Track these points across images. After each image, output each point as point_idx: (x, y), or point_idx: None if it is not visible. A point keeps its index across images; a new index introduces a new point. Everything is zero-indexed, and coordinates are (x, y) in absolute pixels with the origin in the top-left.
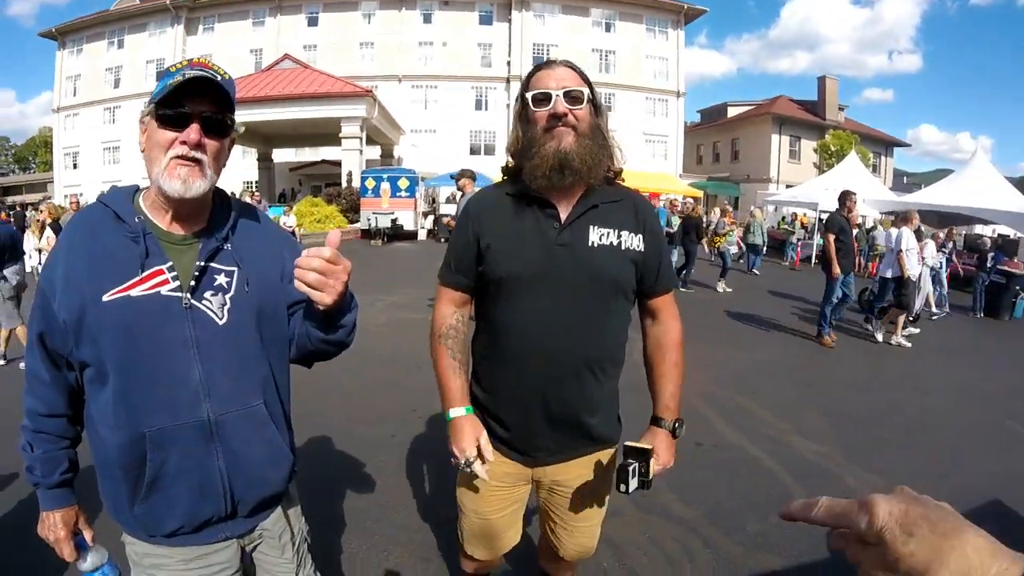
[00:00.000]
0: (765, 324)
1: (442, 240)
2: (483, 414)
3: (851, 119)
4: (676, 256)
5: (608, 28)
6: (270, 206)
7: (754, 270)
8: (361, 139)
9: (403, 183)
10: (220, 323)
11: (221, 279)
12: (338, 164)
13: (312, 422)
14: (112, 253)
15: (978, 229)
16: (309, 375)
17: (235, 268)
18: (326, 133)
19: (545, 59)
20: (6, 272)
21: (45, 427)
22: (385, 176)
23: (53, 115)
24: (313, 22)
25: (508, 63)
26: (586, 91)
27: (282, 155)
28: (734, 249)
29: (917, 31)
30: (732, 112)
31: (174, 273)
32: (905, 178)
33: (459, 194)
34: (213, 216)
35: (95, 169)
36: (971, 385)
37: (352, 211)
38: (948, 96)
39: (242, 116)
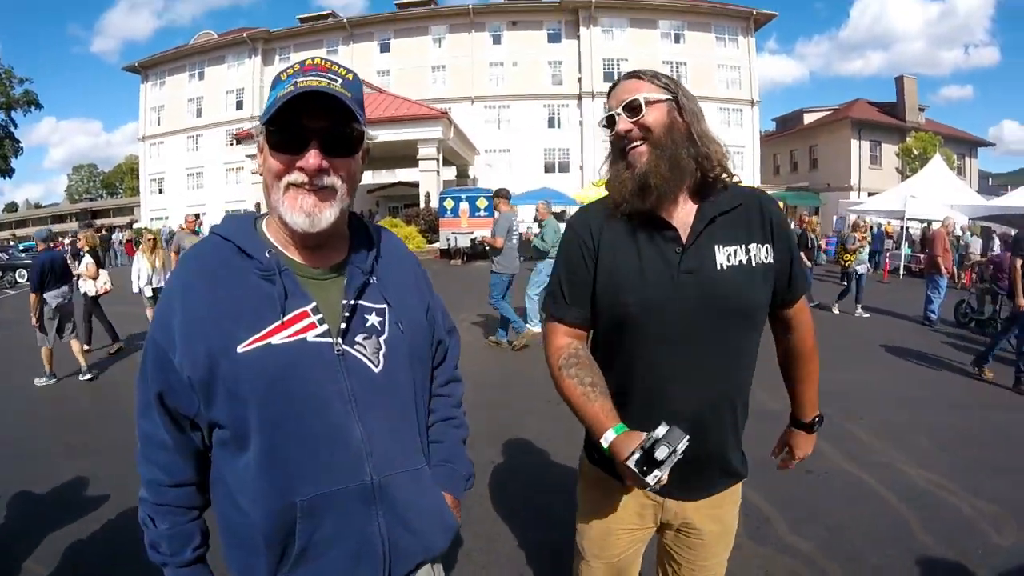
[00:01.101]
0: (860, 342)
1: (522, 259)
2: (602, 456)
3: (932, 120)
4: None
5: (677, 39)
6: None
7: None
8: (438, 160)
9: (481, 203)
10: (376, 371)
11: (372, 319)
12: (414, 185)
13: None
14: (242, 295)
15: None
16: None
17: (385, 306)
18: (403, 155)
19: (616, 74)
20: (47, 295)
21: (170, 498)
22: (464, 196)
23: (138, 143)
24: (385, 48)
25: (579, 79)
26: (644, 95)
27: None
28: (863, 268)
29: (992, 22)
30: (808, 119)
31: (320, 315)
32: (991, 180)
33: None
34: (352, 245)
35: (179, 194)
36: None
37: (431, 231)
38: None
39: None
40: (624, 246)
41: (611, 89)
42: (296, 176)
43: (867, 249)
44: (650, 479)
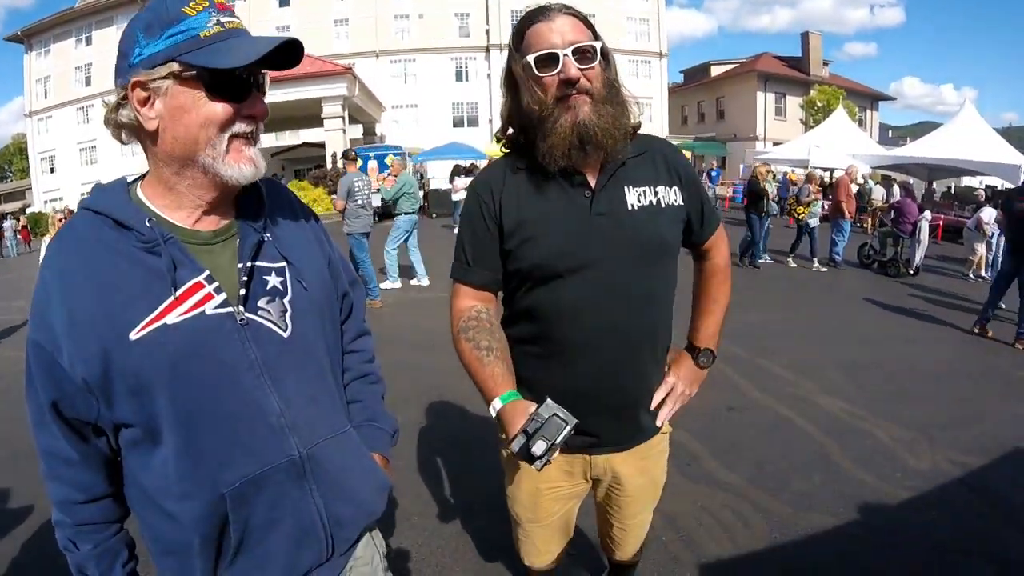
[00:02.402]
0: (770, 285)
1: (434, 216)
2: None
3: (836, 74)
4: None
5: None
6: None
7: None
8: (343, 118)
9: (390, 160)
10: (285, 335)
11: (273, 280)
12: (320, 146)
13: None
14: (125, 274)
15: (966, 181)
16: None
17: (284, 264)
18: (306, 115)
19: (541, 5)
20: None
21: (87, 516)
22: (371, 155)
23: (26, 120)
24: (284, 2)
25: (487, 32)
26: (597, 44)
27: (263, 141)
28: (815, 222)
29: None
30: (716, 71)
31: (216, 284)
32: (890, 132)
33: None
34: (239, 201)
35: (73, 172)
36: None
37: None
38: (931, 48)
39: None
40: (529, 199)
41: (537, 19)
42: (245, 125)
43: (820, 202)
44: (535, 466)
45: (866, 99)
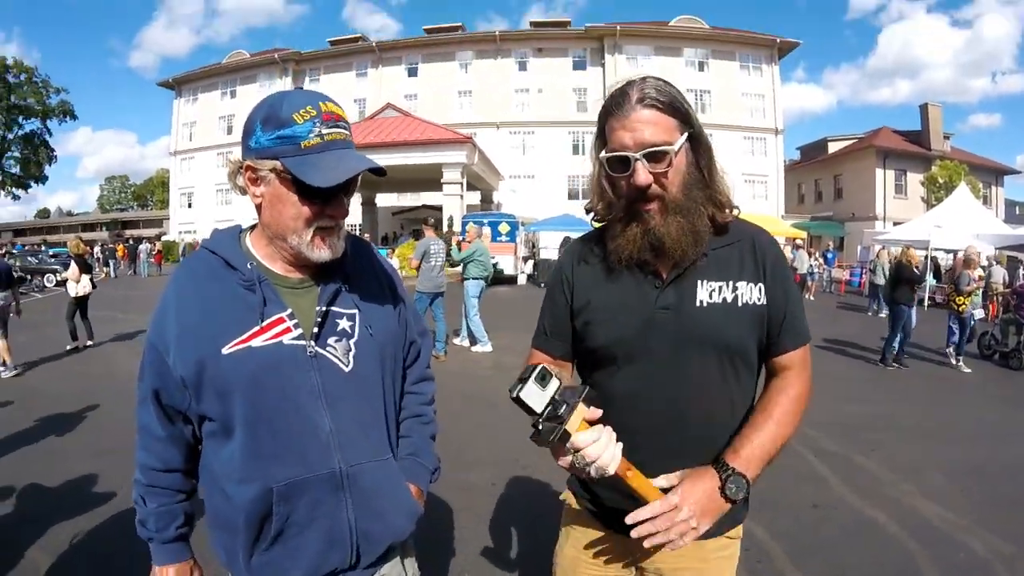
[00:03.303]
0: (881, 373)
1: (542, 285)
2: (586, 488)
3: (957, 148)
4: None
5: (701, 67)
6: (380, 248)
7: (881, 313)
8: (462, 184)
9: (504, 228)
10: (346, 370)
11: (343, 323)
12: (438, 208)
13: None
14: (227, 303)
15: None
16: None
17: (355, 311)
18: (427, 179)
19: (621, 89)
20: None
21: (160, 482)
22: (486, 221)
23: (170, 157)
24: (413, 72)
25: None
26: (674, 145)
27: (385, 199)
28: (979, 313)
29: (1019, 48)
30: (832, 147)
31: (295, 320)
32: (1017, 208)
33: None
34: None
35: (208, 209)
36: None
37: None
38: None
39: None
40: (600, 282)
41: (614, 109)
42: (326, 222)
43: (981, 290)
44: (533, 423)
45: (990, 174)
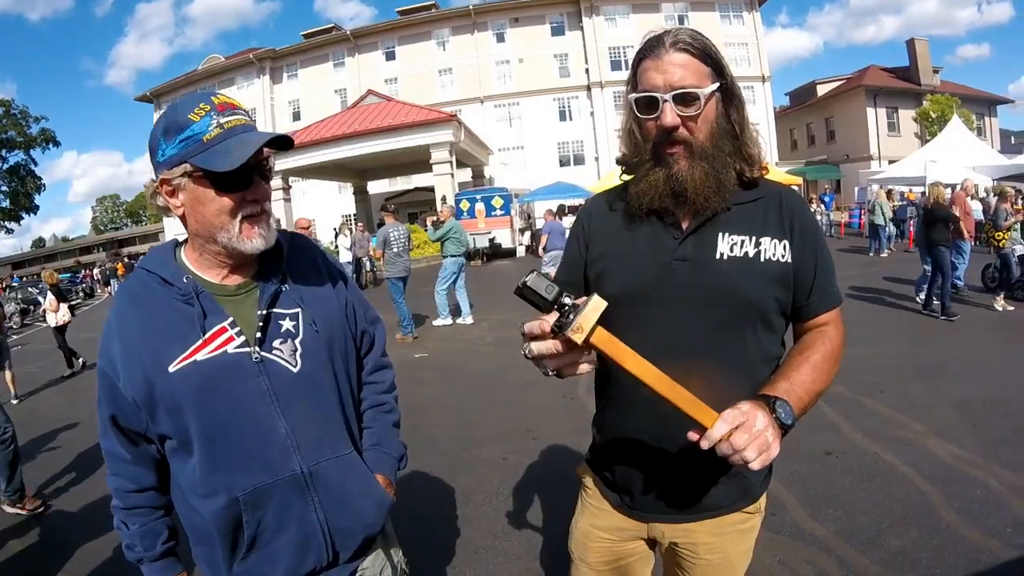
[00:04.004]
0: (885, 313)
1: (542, 255)
2: (600, 461)
3: (948, 81)
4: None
5: (681, 21)
6: (372, 236)
7: (882, 253)
8: (451, 163)
9: (497, 202)
10: (295, 371)
11: (287, 324)
12: (431, 190)
13: (424, 444)
14: (167, 320)
15: None
16: (418, 397)
17: (298, 309)
18: (417, 161)
19: (624, 63)
20: None
21: (137, 502)
22: (479, 197)
23: None
24: (391, 56)
25: (586, 70)
26: (704, 89)
27: (376, 186)
28: (1020, 249)
29: None
30: (821, 90)
31: (237, 328)
32: (1012, 138)
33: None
34: (262, 257)
35: None
36: None
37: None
38: None
39: (334, 154)
40: (618, 233)
41: (648, 53)
42: (251, 208)
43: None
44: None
45: (983, 105)
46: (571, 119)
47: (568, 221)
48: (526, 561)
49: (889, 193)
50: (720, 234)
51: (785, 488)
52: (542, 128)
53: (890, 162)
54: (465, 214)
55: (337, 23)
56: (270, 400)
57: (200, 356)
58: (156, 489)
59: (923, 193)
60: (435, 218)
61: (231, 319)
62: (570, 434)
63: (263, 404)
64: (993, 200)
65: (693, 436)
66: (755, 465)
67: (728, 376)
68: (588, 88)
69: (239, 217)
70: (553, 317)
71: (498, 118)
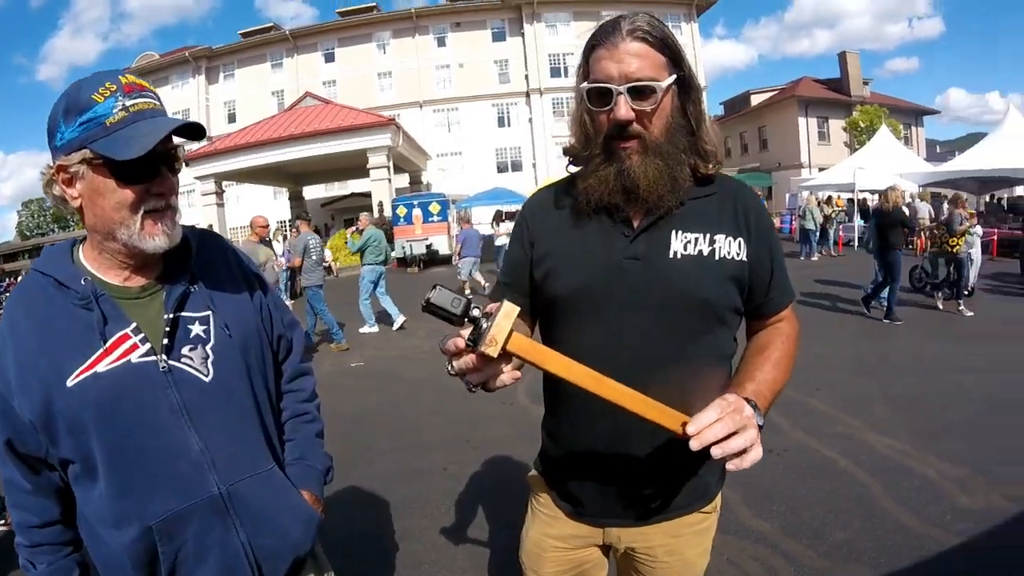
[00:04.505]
0: (818, 315)
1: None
2: (551, 468)
3: (877, 92)
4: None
5: None
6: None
7: (812, 257)
8: (389, 168)
9: (434, 208)
10: (207, 380)
11: (196, 329)
12: (368, 196)
13: (362, 454)
14: (65, 328)
15: (1019, 191)
16: (356, 405)
17: (208, 312)
18: (354, 166)
19: (564, 70)
20: None
21: (42, 538)
22: (416, 203)
23: None
24: (330, 58)
25: (526, 77)
26: (662, 82)
27: (312, 192)
28: (976, 253)
29: None
30: (755, 100)
31: (141, 335)
32: (938, 147)
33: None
34: (169, 256)
35: None
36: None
37: (386, 241)
38: (972, 56)
39: (269, 157)
40: (565, 230)
41: (602, 40)
42: (155, 202)
43: (976, 229)
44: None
45: (910, 115)
46: (510, 125)
47: (507, 227)
48: (473, 574)
49: (829, 199)
50: (673, 232)
51: (729, 487)
52: (481, 134)
53: (820, 170)
54: (402, 220)
55: (277, 23)
56: (180, 414)
57: (101, 367)
58: (62, 523)
59: (852, 199)
60: (354, 228)
61: (134, 325)
62: (511, 441)
63: (173, 419)
64: (921, 205)
65: (691, 428)
66: (752, 456)
67: (683, 376)
68: (527, 95)
69: (141, 212)
70: (468, 331)
71: (437, 123)
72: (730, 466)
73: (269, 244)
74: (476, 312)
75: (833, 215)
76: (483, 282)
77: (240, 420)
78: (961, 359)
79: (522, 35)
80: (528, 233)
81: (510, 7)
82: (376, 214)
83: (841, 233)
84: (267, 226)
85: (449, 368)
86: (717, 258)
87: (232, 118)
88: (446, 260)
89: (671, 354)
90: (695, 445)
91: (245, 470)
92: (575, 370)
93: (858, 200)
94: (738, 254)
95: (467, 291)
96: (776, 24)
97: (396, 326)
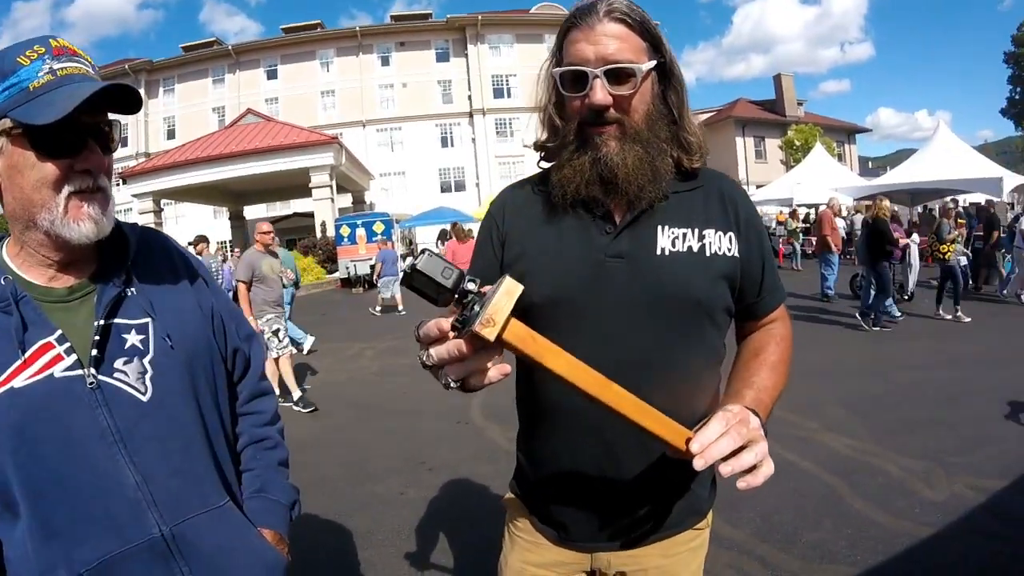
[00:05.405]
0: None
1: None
2: (531, 491)
3: (811, 112)
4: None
5: None
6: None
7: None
8: (331, 187)
9: (378, 227)
10: (144, 399)
11: (132, 338)
12: (310, 216)
13: (315, 483)
14: None
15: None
16: (305, 430)
17: (147, 319)
18: (296, 185)
19: (507, 90)
20: None
21: None
22: (359, 222)
23: None
24: (272, 75)
25: (469, 97)
26: (642, 65)
27: (254, 211)
28: (914, 259)
29: (865, 20)
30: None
31: (67, 344)
32: (870, 163)
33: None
34: (103, 254)
35: None
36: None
37: (329, 261)
38: (901, 77)
39: (209, 175)
40: (539, 229)
41: (578, 20)
42: (80, 180)
43: (964, 236)
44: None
45: (843, 134)
46: (453, 145)
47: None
48: None
49: (793, 213)
50: (659, 227)
51: None
52: (424, 153)
53: (758, 187)
54: (346, 240)
55: (221, 38)
56: (112, 440)
57: (18, 381)
58: None
59: (870, 207)
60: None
61: (59, 332)
62: (468, 462)
63: (103, 446)
64: (857, 218)
65: (694, 446)
66: (764, 470)
67: (674, 383)
68: (471, 115)
69: (65, 192)
70: (452, 316)
71: (380, 142)
72: (741, 484)
73: (276, 255)
74: (471, 286)
75: (798, 229)
76: (400, 304)
77: (185, 447)
78: (907, 358)
79: (466, 56)
80: (498, 232)
81: (454, 28)
82: (319, 234)
83: (781, 246)
84: (270, 232)
85: (423, 357)
86: (708, 254)
87: (171, 134)
88: None
89: (662, 360)
90: (699, 464)
91: (192, 507)
92: (579, 371)
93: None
94: (729, 249)
95: (400, 308)
96: (714, 49)
97: (306, 350)
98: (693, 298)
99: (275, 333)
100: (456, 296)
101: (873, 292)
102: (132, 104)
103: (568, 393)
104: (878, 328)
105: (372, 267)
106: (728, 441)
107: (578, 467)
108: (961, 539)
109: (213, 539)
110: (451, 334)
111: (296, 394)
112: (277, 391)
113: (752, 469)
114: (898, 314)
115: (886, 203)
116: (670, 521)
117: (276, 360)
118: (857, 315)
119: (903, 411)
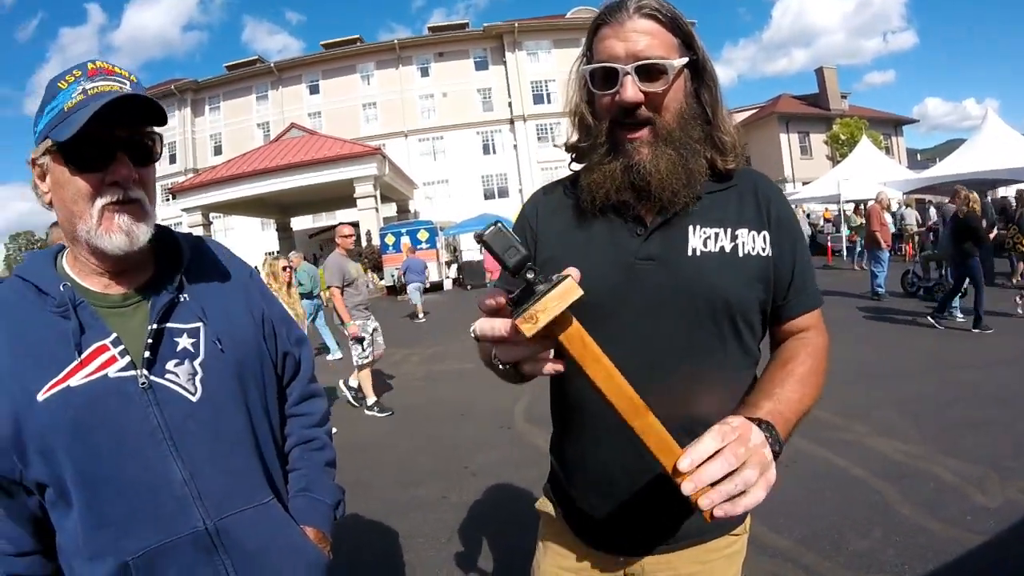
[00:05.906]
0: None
1: (469, 288)
2: (563, 495)
3: (856, 105)
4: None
5: None
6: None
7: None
8: (376, 197)
9: (422, 235)
10: (194, 399)
11: (184, 342)
12: (356, 225)
13: (360, 485)
14: (40, 337)
15: (1001, 193)
16: (348, 436)
17: (199, 324)
18: (341, 196)
19: (546, 96)
20: None
21: (18, 569)
22: (404, 230)
23: None
24: (314, 90)
25: (509, 104)
26: (673, 61)
27: (300, 222)
28: None
29: (905, 7)
30: (736, 119)
31: (121, 347)
32: (919, 155)
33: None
34: (158, 262)
35: None
36: None
37: (375, 269)
38: (946, 65)
39: (256, 188)
40: (570, 231)
41: (608, 17)
42: (109, 195)
43: None
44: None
45: (889, 126)
46: (495, 152)
47: None
48: None
49: (856, 208)
50: (691, 227)
51: None
52: (466, 161)
53: (804, 183)
54: (391, 248)
55: (263, 56)
56: (161, 437)
57: (74, 381)
58: (42, 553)
59: (839, 210)
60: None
61: (114, 336)
62: (510, 467)
63: (152, 443)
64: (908, 212)
65: (683, 463)
66: (759, 489)
67: (706, 389)
68: (511, 122)
69: (98, 204)
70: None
71: (422, 152)
72: (718, 512)
73: (359, 257)
74: (531, 276)
75: (862, 225)
76: (420, 312)
77: (232, 445)
78: (961, 357)
79: (504, 63)
80: (531, 234)
81: (491, 36)
82: (364, 243)
83: (830, 243)
84: (352, 235)
85: (474, 331)
86: (741, 255)
87: (218, 150)
88: (436, 287)
89: (692, 363)
90: (688, 488)
91: (237, 503)
92: (613, 388)
93: (843, 211)
94: (763, 249)
95: (420, 315)
96: (754, 45)
97: (334, 358)
98: (724, 299)
99: (372, 333)
100: (517, 277)
101: (950, 289)
102: (154, 114)
103: (590, 400)
104: (979, 330)
105: (393, 275)
106: (721, 464)
107: (608, 469)
108: (1015, 547)
109: (256, 535)
110: (507, 309)
111: (371, 399)
112: (370, 400)
113: (735, 497)
114: (960, 316)
115: (974, 195)
116: (704, 526)
117: (359, 368)
118: (929, 318)
119: (957, 413)
